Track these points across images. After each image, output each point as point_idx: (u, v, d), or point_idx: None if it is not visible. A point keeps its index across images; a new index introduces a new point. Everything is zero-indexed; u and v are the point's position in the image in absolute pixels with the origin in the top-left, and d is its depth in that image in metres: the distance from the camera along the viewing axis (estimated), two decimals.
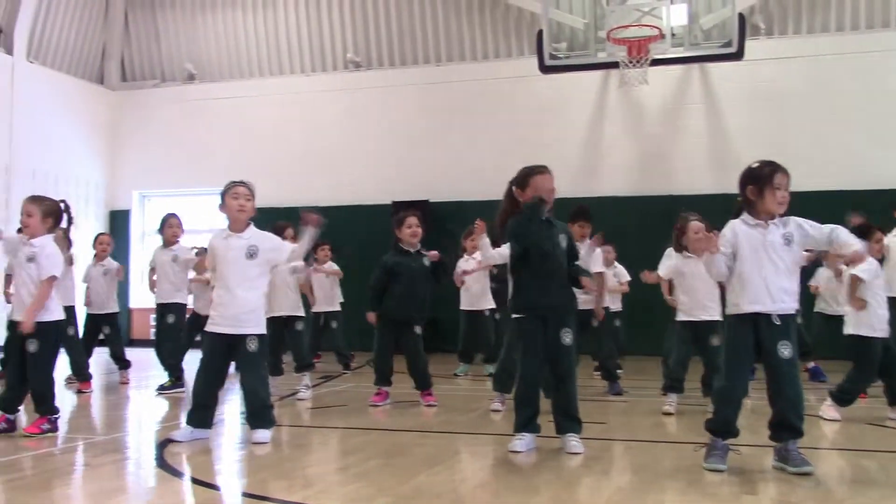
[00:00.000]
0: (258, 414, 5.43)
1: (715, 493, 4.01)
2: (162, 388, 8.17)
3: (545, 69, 12.54)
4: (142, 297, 15.14)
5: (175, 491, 4.32)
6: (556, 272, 5.06)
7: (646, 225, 11.78)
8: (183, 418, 5.62)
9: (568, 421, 5.03)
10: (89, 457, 5.05)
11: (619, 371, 8.16)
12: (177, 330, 8.47)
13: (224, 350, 5.44)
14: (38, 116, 14.57)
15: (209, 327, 5.47)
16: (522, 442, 4.97)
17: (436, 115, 14.56)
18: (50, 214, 5.60)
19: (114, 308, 9.06)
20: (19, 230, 5.72)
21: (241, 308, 5.38)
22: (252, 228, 5.53)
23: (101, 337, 8.99)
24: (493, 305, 9.81)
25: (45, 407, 5.52)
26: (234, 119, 15.56)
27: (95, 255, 9.05)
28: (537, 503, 3.85)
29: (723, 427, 4.48)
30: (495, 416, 6.58)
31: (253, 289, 5.44)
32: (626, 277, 9.90)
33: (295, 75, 15.66)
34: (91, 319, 8.94)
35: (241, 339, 5.40)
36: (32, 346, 5.44)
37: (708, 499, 3.90)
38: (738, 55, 11.81)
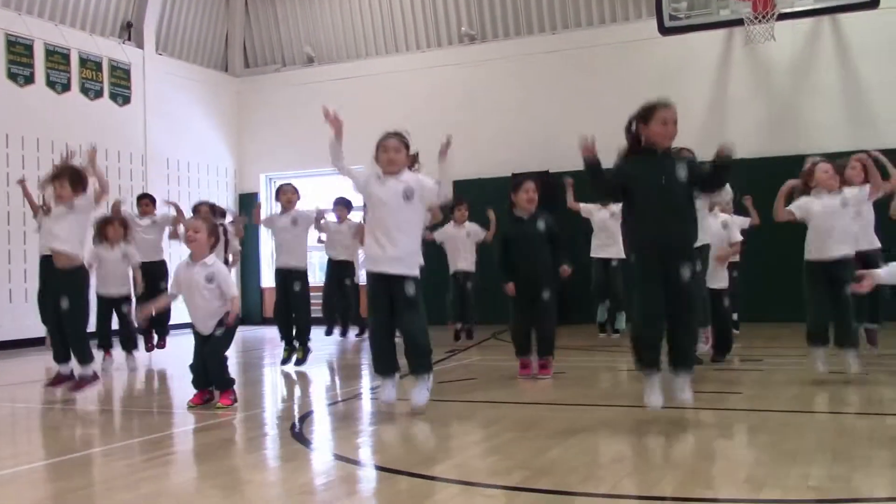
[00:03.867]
0: (419, 359, 5.48)
1: (866, 466, 3.85)
2: (300, 362, 8.39)
3: (665, 31, 12.20)
4: (272, 277, 15.67)
5: (312, 464, 4.47)
6: (671, 207, 4.90)
7: (775, 187, 11.35)
8: (370, 379, 5.67)
9: (681, 359, 4.93)
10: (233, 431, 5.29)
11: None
12: (305, 298, 8.49)
13: (387, 291, 5.46)
14: (169, 106, 15.19)
15: (369, 268, 5.51)
16: (656, 395, 4.89)
17: (553, 84, 14.38)
18: (213, 234, 6.08)
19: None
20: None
21: (401, 250, 5.43)
22: (407, 172, 5.66)
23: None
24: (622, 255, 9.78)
25: (224, 381, 6.01)
26: (353, 99, 15.76)
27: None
28: (674, 477, 3.79)
29: None
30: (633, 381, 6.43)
31: (411, 231, 5.54)
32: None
33: (411, 52, 15.75)
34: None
35: (400, 280, 5.43)
36: (218, 331, 5.96)
37: (858, 472, 3.75)
38: (873, 3, 11.16)
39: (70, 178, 6.52)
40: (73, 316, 6.59)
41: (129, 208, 10.87)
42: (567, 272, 7.03)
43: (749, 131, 12.90)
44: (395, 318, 5.49)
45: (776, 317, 10.72)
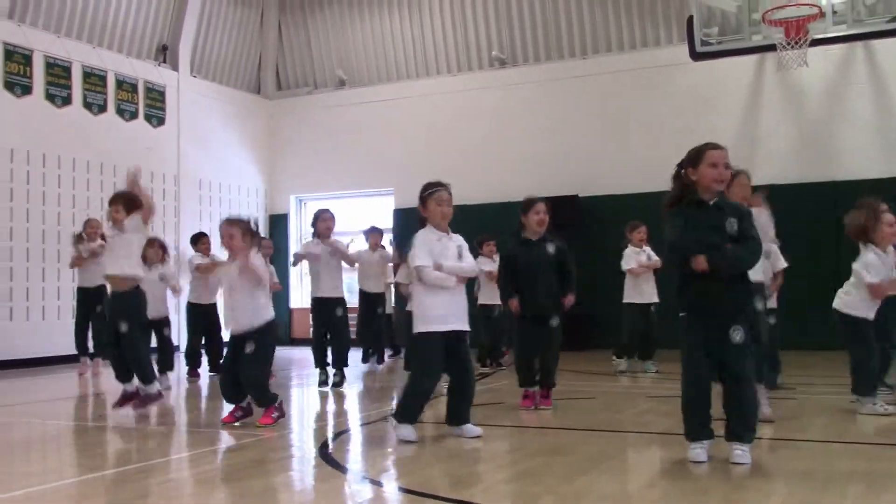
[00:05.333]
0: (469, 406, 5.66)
1: None
2: (337, 385, 8.47)
3: (697, 56, 12.17)
4: (301, 298, 15.76)
5: (340, 487, 4.47)
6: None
7: (807, 213, 11.28)
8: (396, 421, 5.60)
9: (739, 428, 4.59)
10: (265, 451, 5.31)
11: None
12: (346, 323, 8.71)
13: (443, 347, 5.52)
14: (202, 127, 15.38)
15: (434, 327, 5.49)
16: (703, 451, 4.60)
17: (583, 109, 14.41)
18: (248, 232, 6.17)
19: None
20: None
21: (462, 305, 5.60)
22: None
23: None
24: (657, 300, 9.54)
25: (266, 399, 6.09)
26: (383, 122, 15.92)
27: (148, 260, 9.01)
28: None
29: None
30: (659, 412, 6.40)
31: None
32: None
33: (442, 76, 15.86)
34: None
35: (463, 334, 5.58)
36: (249, 347, 6.02)
37: (892, 502, 3.69)
38: None
39: (125, 202, 6.66)
40: (132, 338, 6.68)
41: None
42: (571, 302, 6.80)
43: (780, 157, 12.84)
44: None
45: (809, 345, 10.59)
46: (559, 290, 6.75)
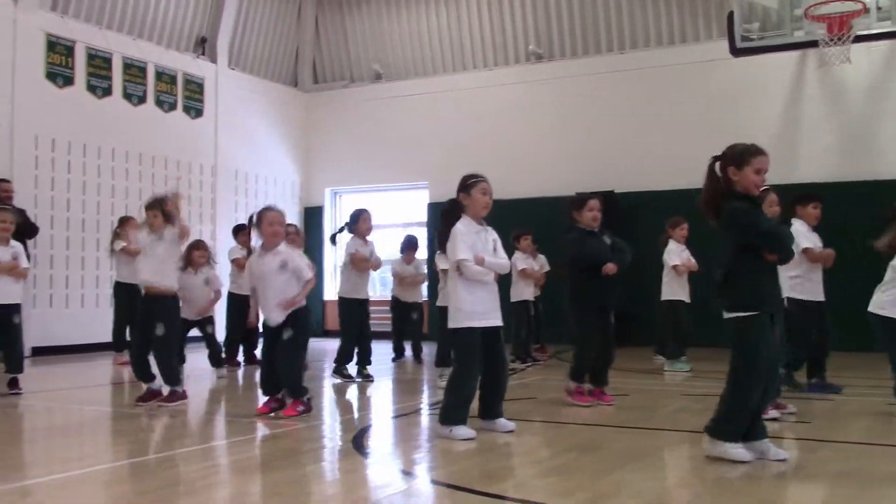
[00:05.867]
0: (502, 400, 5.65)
1: None
2: (367, 377, 8.58)
3: (737, 52, 12.02)
4: (334, 290, 15.82)
5: (372, 478, 4.48)
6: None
7: (848, 212, 11.09)
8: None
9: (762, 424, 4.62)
10: (301, 441, 5.34)
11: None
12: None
13: (481, 342, 5.51)
14: (239, 119, 15.49)
15: (474, 322, 5.45)
16: (748, 451, 4.51)
17: (620, 104, 14.29)
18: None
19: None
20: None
21: (497, 300, 5.59)
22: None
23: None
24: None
25: (296, 388, 6.15)
26: (419, 116, 15.92)
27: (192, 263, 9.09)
28: None
29: None
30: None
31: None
32: None
33: (478, 70, 15.82)
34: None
35: (499, 329, 5.57)
36: (287, 333, 6.11)
37: None
38: None
39: (162, 209, 6.77)
40: (165, 341, 6.75)
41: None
42: (612, 269, 6.61)
43: (822, 155, 12.65)
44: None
45: (847, 346, 10.42)
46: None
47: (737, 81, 13.29)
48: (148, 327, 6.78)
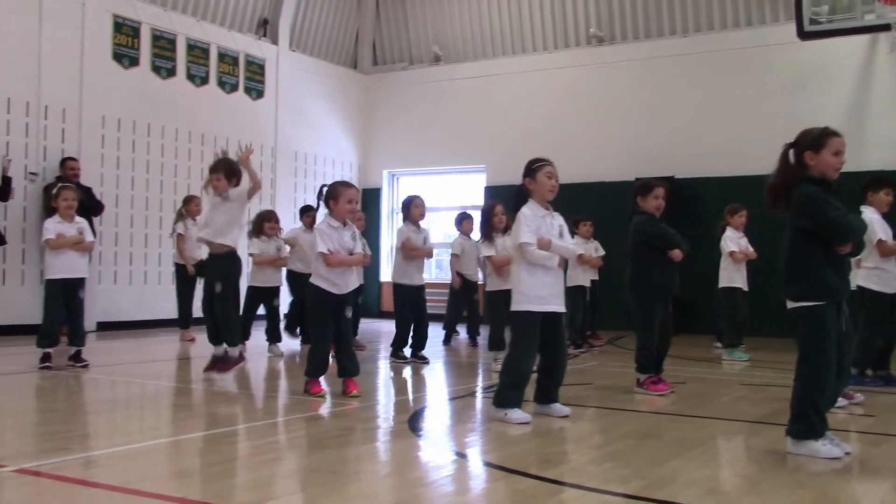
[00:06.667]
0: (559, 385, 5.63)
1: None
2: (423, 359, 8.62)
3: (804, 35, 11.75)
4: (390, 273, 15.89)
5: (426, 459, 4.50)
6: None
7: None
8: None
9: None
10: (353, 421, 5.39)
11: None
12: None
13: (541, 327, 5.48)
14: (299, 101, 15.61)
15: (535, 306, 5.42)
16: (835, 446, 4.35)
17: (682, 89, 14.06)
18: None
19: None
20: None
21: (561, 285, 5.57)
22: None
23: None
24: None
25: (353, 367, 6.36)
26: (477, 99, 15.87)
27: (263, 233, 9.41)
28: (800, 498, 3.64)
29: None
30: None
31: None
32: None
33: (537, 53, 15.69)
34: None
35: (561, 315, 5.52)
36: (349, 312, 6.36)
37: None
38: None
39: (225, 170, 6.90)
40: (224, 298, 6.91)
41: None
42: (680, 255, 6.58)
43: (890, 142, 12.29)
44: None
45: None
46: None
47: (803, 66, 12.96)
48: (210, 286, 6.98)
